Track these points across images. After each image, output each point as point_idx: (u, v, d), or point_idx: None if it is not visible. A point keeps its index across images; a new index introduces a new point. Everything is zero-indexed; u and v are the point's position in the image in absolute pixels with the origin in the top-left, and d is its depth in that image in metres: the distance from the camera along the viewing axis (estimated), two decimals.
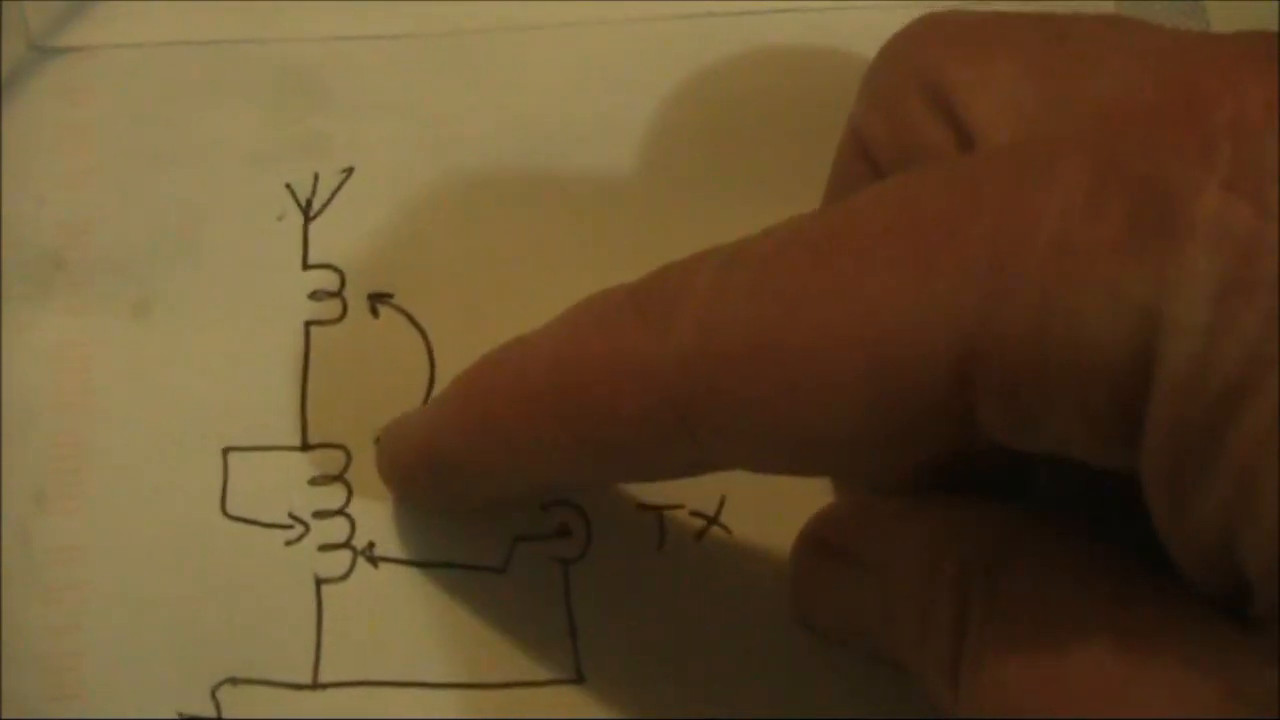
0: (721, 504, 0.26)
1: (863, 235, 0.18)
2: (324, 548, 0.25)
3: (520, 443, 0.21)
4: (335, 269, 0.27)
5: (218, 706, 0.24)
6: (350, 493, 0.26)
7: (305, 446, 0.26)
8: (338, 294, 0.27)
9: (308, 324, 0.27)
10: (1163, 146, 0.16)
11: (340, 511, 0.26)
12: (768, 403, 0.18)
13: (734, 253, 0.19)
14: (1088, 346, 0.16)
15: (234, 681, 0.25)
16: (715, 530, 0.25)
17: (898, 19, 0.22)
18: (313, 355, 0.26)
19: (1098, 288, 0.16)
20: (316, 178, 0.27)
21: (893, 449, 0.18)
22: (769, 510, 0.25)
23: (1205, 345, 0.15)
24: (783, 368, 0.18)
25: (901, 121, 0.21)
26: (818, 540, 0.23)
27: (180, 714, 0.24)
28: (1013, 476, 0.22)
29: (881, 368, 0.17)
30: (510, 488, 0.23)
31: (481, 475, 0.23)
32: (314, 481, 0.26)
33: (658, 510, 0.26)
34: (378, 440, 0.25)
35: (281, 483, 0.26)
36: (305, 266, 0.27)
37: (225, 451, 0.26)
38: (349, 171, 0.28)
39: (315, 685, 0.25)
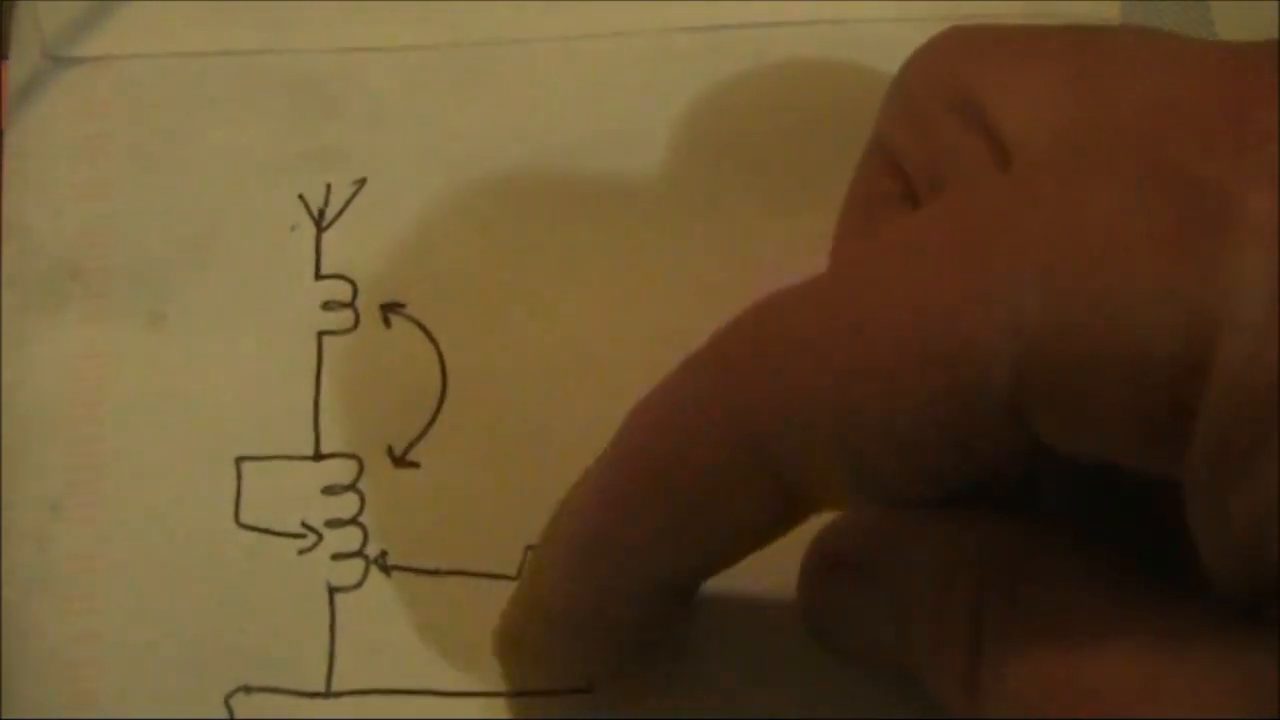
0: None
1: (919, 251, 0.18)
2: (337, 556, 0.26)
3: (622, 534, 0.21)
4: (348, 279, 0.27)
5: (231, 714, 0.25)
6: (363, 502, 0.26)
7: (318, 456, 0.26)
8: (350, 304, 0.27)
9: (320, 334, 0.27)
10: (1211, 147, 0.16)
11: (353, 520, 0.26)
12: (839, 424, 0.18)
13: (800, 292, 0.19)
14: (1143, 345, 0.16)
15: (247, 689, 0.25)
16: None
17: (908, 33, 0.22)
18: (325, 365, 0.27)
19: (1152, 287, 0.16)
20: (329, 188, 0.28)
21: (954, 466, 0.18)
22: None
23: (1261, 343, 0.15)
24: (849, 392, 0.18)
25: (933, 134, 0.21)
26: (827, 553, 0.23)
27: None
28: (1018, 489, 0.22)
29: (946, 380, 0.17)
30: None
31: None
32: (327, 491, 0.26)
33: None
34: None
35: (295, 492, 0.26)
36: (318, 277, 0.27)
37: (239, 461, 0.26)
38: (362, 182, 0.28)
39: (328, 693, 0.25)
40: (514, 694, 0.25)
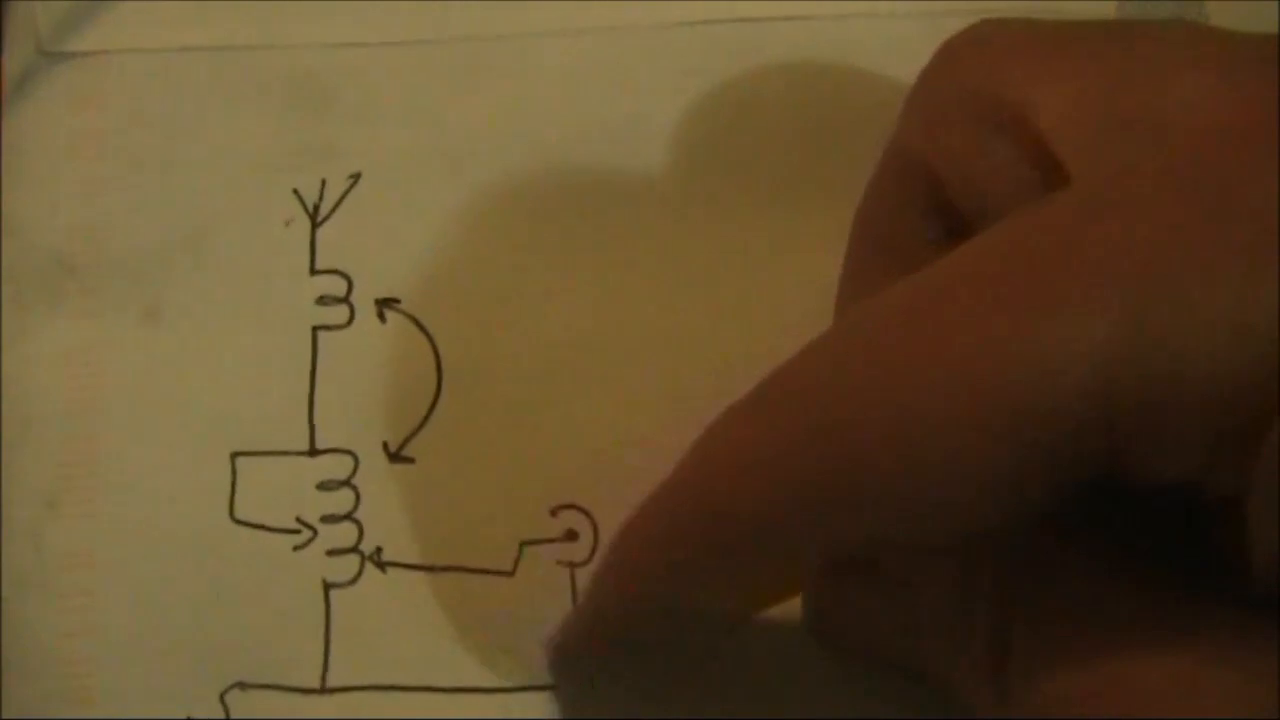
0: None
1: (978, 283, 0.17)
2: (332, 552, 0.25)
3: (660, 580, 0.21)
4: (343, 274, 0.27)
5: (226, 711, 0.24)
6: (358, 498, 0.26)
7: (313, 451, 0.26)
8: (345, 300, 0.27)
9: (315, 329, 0.27)
10: (1266, 170, 0.16)
11: (348, 516, 0.26)
12: (896, 481, 0.18)
13: (844, 332, 0.19)
14: (1224, 367, 0.16)
15: (243, 686, 0.25)
16: None
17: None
18: (320, 361, 0.27)
19: (1222, 313, 0.16)
20: (324, 183, 0.28)
21: (1010, 509, 0.18)
22: None
23: None
24: (909, 446, 0.17)
25: (965, 137, 0.21)
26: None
27: (190, 718, 0.24)
28: None
29: (1019, 421, 0.17)
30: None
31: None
32: (322, 486, 0.26)
33: None
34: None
35: (290, 488, 0.26)
36: (313, 272, 0.27)
37: (234, 456, 0.26)
38: (356, 177, 0.28)
39: (324, 690, 0.25)
40: (510, 689, 0.25)
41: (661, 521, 0.21)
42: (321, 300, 0.27)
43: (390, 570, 0.25)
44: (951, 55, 0.21)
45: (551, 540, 0.26)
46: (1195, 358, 0.16)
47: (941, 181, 0.22)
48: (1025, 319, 0.16)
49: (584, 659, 0.24)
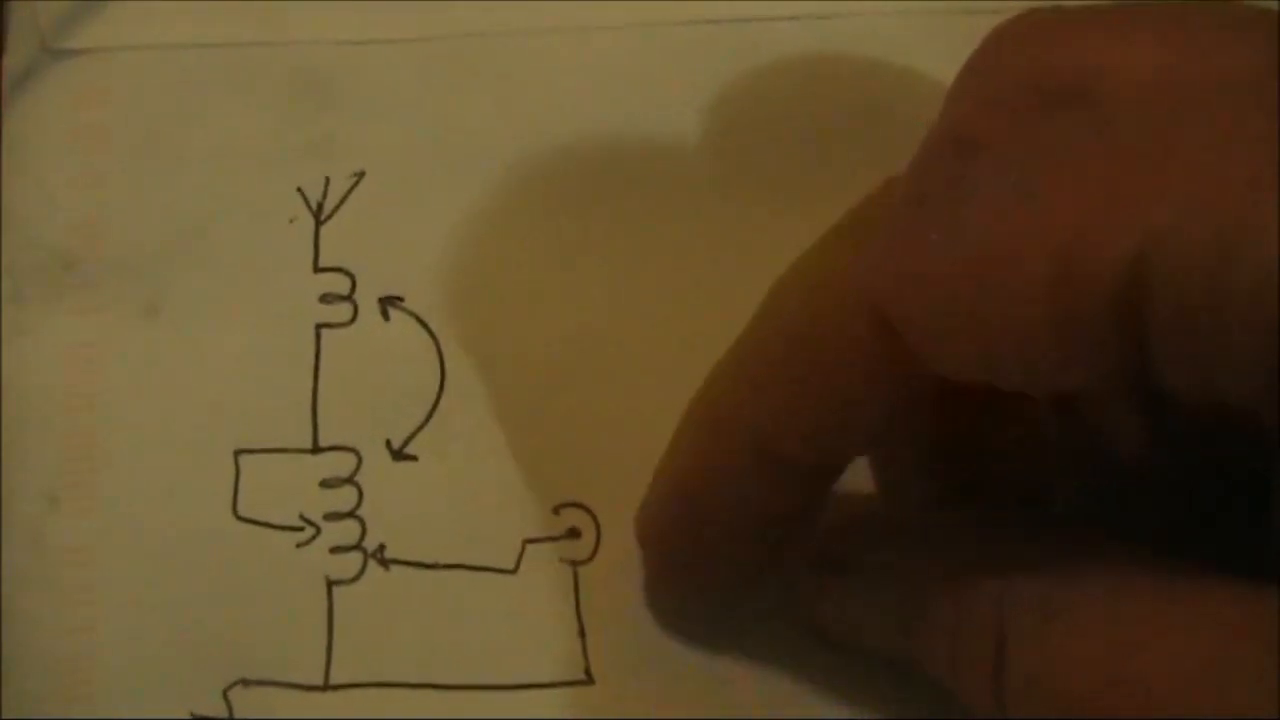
0: None
1: (1062, 149, 0.18)
2: (335, 550, 0.25)
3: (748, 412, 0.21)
4: (346, 272, 0.27)
5: (230, 707, 0.24)
6: (361, 495, 0.26)
7: (316, 449, 0.26)
8: (348, 297, 0.27)
9: (319, 327, 0.27)
10: None
11: (351, 514, 0.26)
12: (961, 300, 0.18)
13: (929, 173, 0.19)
14: (1265, 278, 0.16)
15: (246, 682, 0.25)
16: None
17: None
18: (324, 358, 0.27)
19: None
20: (328, 181, 0.28)
21: (1068, 366, 0.18)
22: None
23: None
24: (975, 270, 0.18)
25: (1032, 120, 0.20)
26: (825, 554, 0.23)
27: (193, 714, 0.24)
28: (1031, 491, 0.22)
29: (1065, 270, 0.17)
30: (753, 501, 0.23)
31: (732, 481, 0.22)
32: (325, 484, 0.26)
33: None
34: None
35: (293, 485, 0.26)
36: (316, 269, 0.27)
37: (237, 453, 0.26)
38: (360, 175, 0.28)
39: (326, 686, 0.25)
40: (512, 687, 0.25)
41: (733, 362, 0.22)
42: (325, 298, 0.27)
43: (393, 567, 0.25)
44: (1007, 36, 0.21)
45: (554, 538, 0.26)
46: (1243, 259, 0.16)
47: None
48: (1097, 189, 0.17)
49: (664, 526, 0.24)
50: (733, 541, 0.23)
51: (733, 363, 0.22)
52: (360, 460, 0.26)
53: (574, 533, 0.26)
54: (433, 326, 0.27)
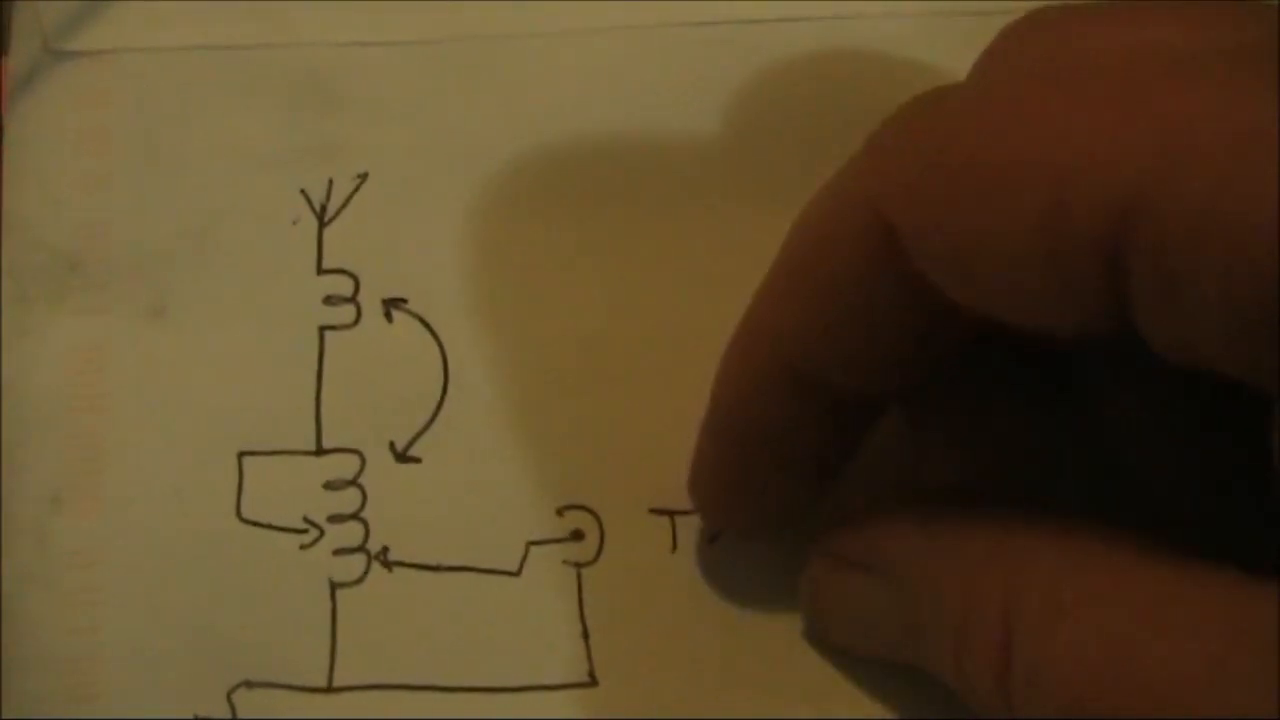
0: None
1: (1066, 95, 0.18)
2: (339, 552, 0.25)
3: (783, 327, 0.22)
4: (349, 274, 0.27)
5: (233, 709, 0.24)
6: (365, 497, 0.26)
7: (320, 451, 0.26)
8: (352, 299, 0.27)
9: (322, 329, 0.27)
10: None
11: (355, 516, 0.26)
12: (960, 216, 0.19)
13: (941, 104, 0.20)
14: (1249, 232, 0.16)
15: (249, 684, 0.25)
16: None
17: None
18: (327, 360, 0.27)
19: (1274, 184, 0.16)
20: (331, 183, 0.28)
21: (1054, 303, 0.18)
22: None
23: None
24: (978, 184, 0.18)
25: (1043, 80, 0.21)
26: (832, 553, 0.23)
27: (196, 716, 0.24)
28: (1034, 484, 0.22)
29: (1058, 204, 0.17)
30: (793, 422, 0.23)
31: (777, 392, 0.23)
32: (329, 486, 0.26)
33: (670, 515, 0.26)
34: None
35: (296, 487, 0.26)
36: (320, 271, 0.27)
37: (240, 455, 0.26)
38: (364, 177, 0.28)
39: (330, 689, 0.25)
40: (516, 689, 0.25)
41: (761, 289, 0.22)
42: (328, 300, 0.27)
43: (396, 570, 0.25)
44: (1021, 26, 0.21)
45: (558, 540, 0.26)
46: (1228, 210, 0.16)
47: None
48: (1099, 121, 0.17)
49: (710, 467, 0.24)
50: (778, 472, 0.23)
51: (764, 284, 0.22)
52: (364, 462, 0.26)
53: (577, 535, 0.26)
54: (436, 328, 0.27)
